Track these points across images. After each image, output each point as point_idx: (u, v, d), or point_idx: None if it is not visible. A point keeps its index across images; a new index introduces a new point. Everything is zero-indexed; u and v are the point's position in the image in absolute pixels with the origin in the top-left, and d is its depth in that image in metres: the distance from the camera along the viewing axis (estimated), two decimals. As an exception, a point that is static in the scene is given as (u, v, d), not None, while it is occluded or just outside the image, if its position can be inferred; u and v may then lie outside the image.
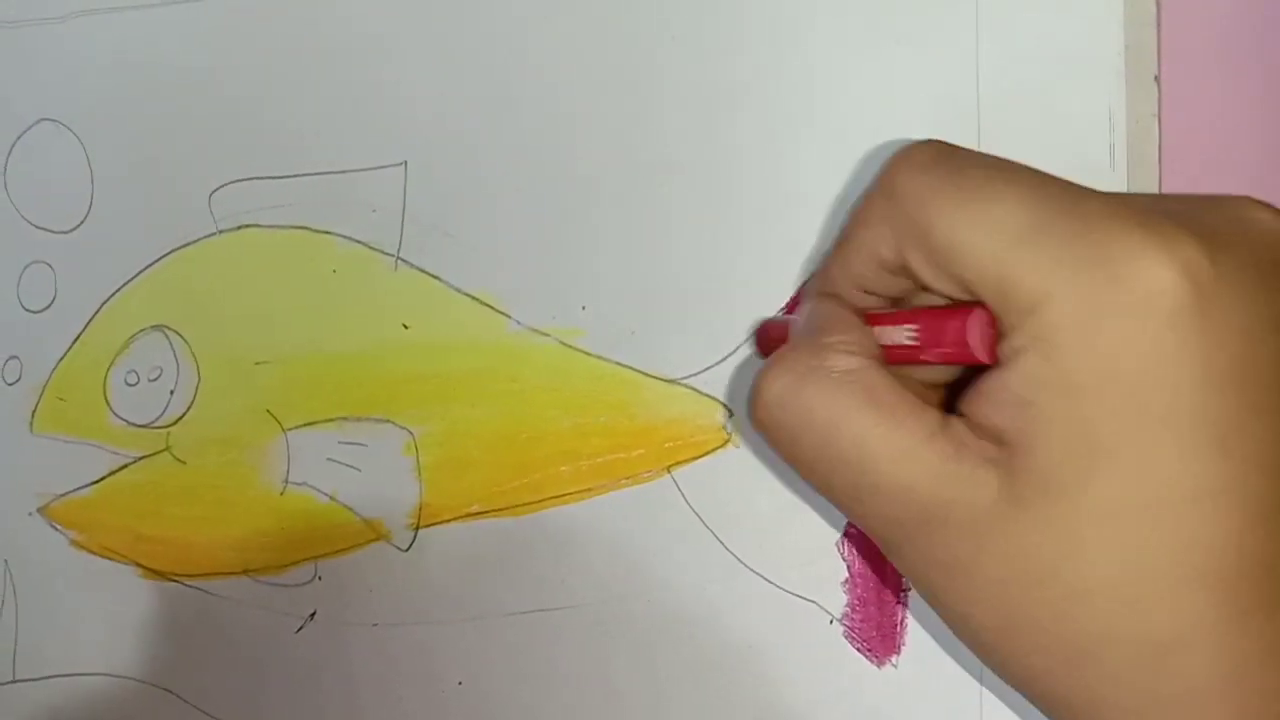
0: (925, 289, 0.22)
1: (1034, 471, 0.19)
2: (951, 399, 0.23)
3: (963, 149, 0.22)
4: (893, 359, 0.22)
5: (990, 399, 0.20)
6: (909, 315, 0.22)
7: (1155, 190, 0.26)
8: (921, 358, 0.22)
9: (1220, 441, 0.18)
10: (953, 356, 0.21)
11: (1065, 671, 0.20)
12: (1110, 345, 0.18)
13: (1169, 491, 0.18)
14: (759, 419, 0.22)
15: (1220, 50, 0.27)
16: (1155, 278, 0.18)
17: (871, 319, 0.23)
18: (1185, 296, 0.18)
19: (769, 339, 0.26)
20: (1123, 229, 0.18)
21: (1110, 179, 0.26)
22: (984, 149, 0.26)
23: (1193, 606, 0.18)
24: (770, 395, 0.22)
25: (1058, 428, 0.19)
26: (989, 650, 0.21)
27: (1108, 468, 0.18)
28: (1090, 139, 0.26)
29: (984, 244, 0.19)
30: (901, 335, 0.22)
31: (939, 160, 0.21)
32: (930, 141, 0.22)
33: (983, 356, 0.21)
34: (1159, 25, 0.26)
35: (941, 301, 0.22)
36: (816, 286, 0.25)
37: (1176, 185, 0.27)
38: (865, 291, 0.23)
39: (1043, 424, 0.19)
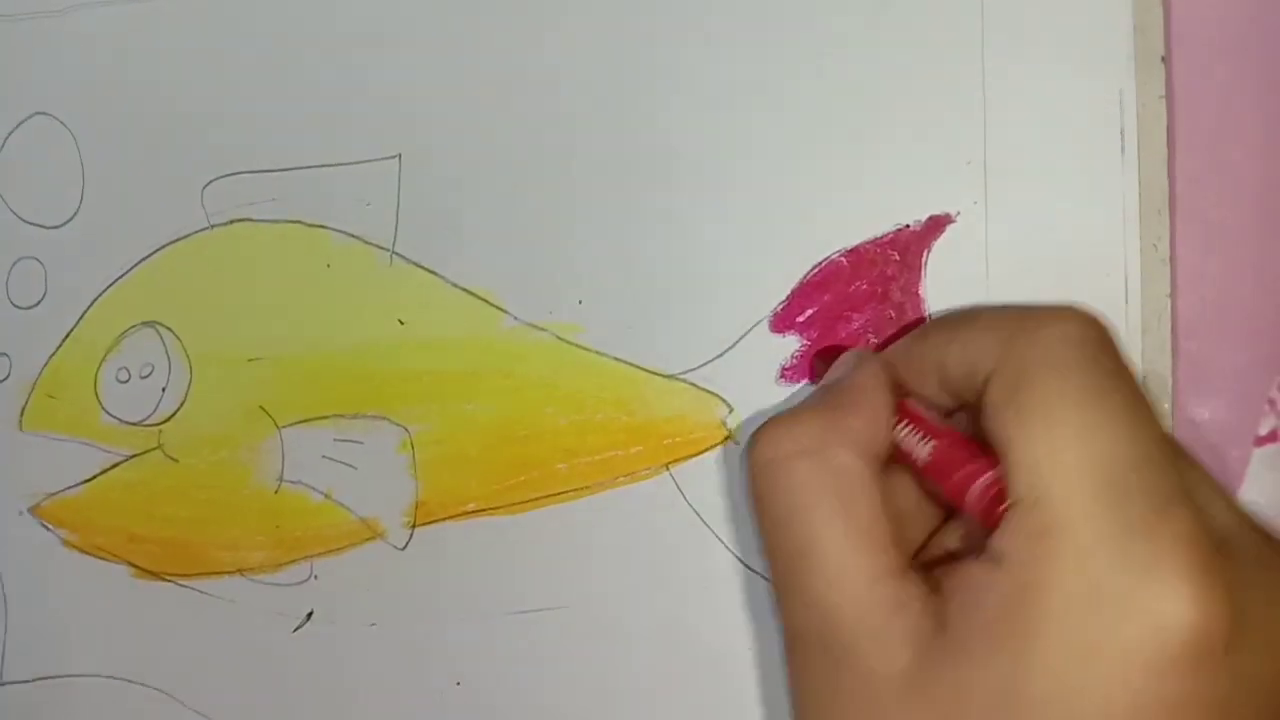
0: (958, 411, 0.22)
1: (955, 683, 0.19)
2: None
3: (1116, 344, 0.21)
4: (898, 458, 0.22)
5: (955, 587, 0.20)
6: (935, 430, 0.22)
7: (1166, 174, 0.26)
8: (923, 477, 0.22)
9: None
10: (949, 496, 0.21)
11: None
12: (1092, 656, 0.18)
13: None
14: (748, 465, 0.22)
15: (1227, 30, 0.26)
16: (1170, 632, 0.18)
17: (902, 408, 0.22)
18: (1186, 663, 0.18)
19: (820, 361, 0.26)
20: (1180, 568, 0.18)
21: (1120, 162, 0.26)
22: (991, 135, 0.26)
23: None
24: (762, 454, 0.22)
25: (1003, 672, 0.18)
26: None
27: None
28: (1100, 121, 0.26)
29: (1059, 467, 0.19)
30: (917, 448, 0.22)
31: (1094, 342, 0.20)
32: (1091, 319, 0.21)
33: (977, 519, 0.20)
34: (1166, 5, 0.26)
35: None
36: (873, 353, 0.24)
37: (1186, 167, 0.26)
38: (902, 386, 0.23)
39: (990, 656, 0.19)
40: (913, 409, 0.22)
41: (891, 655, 0.19)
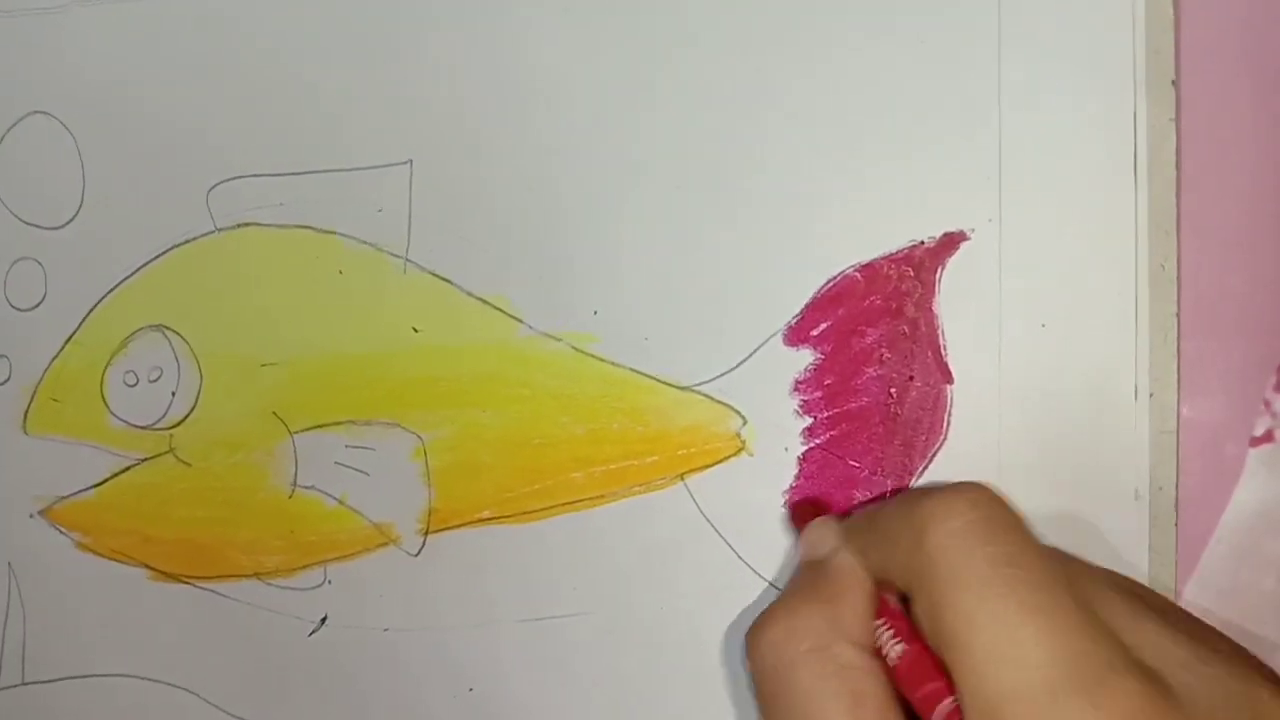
0: None
1: None
2: None
3: (1003, 518, 0.21)
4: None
5: None
6: (905, 633, 0.22)
7: (1174, 195, 0.26)
8: (893, 678, 0.22)
9: None
10: (916, 708, 0.21)
11: None
12: None
13: None
14: (751, 659, 0.23)
15: (1238, 55, 0.26)
16: None
17: (884, 608, 0.23)
18: None
19: (803, 516, 0.26)
20: None
21: (1132, 182, 0.26)
22: (1006, 153, 0.26)
23: None
24: (766, 651, 0.22)
25: None
26: None
27: None
28: (1112, 142, 0.26)
29: (990, 693, 0.19)
30: (888, 647, 0.22)
31: (978, 537, 0.21)
32: (972, 502, 0.21)
33: None
34: (1177, 29, 0.26)
35: None
36: (844, 532, 0.24)
37: (1194, 190, 0.26)
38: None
39: None
40: (888, 602, 0.23)
41: None
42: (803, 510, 0.26)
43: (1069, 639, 0.20)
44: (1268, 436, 0.27)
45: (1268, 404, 0.27)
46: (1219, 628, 0.23)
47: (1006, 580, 0.20)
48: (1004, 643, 0.20)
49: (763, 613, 0.23)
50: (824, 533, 0.25)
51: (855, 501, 0.27)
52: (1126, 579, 0.24)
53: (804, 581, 0.24)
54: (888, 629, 0.22)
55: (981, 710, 0.20)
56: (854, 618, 0.22)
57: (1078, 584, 0.21)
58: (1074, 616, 0.20)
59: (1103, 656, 0.19)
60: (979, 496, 0.21)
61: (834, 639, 0.22)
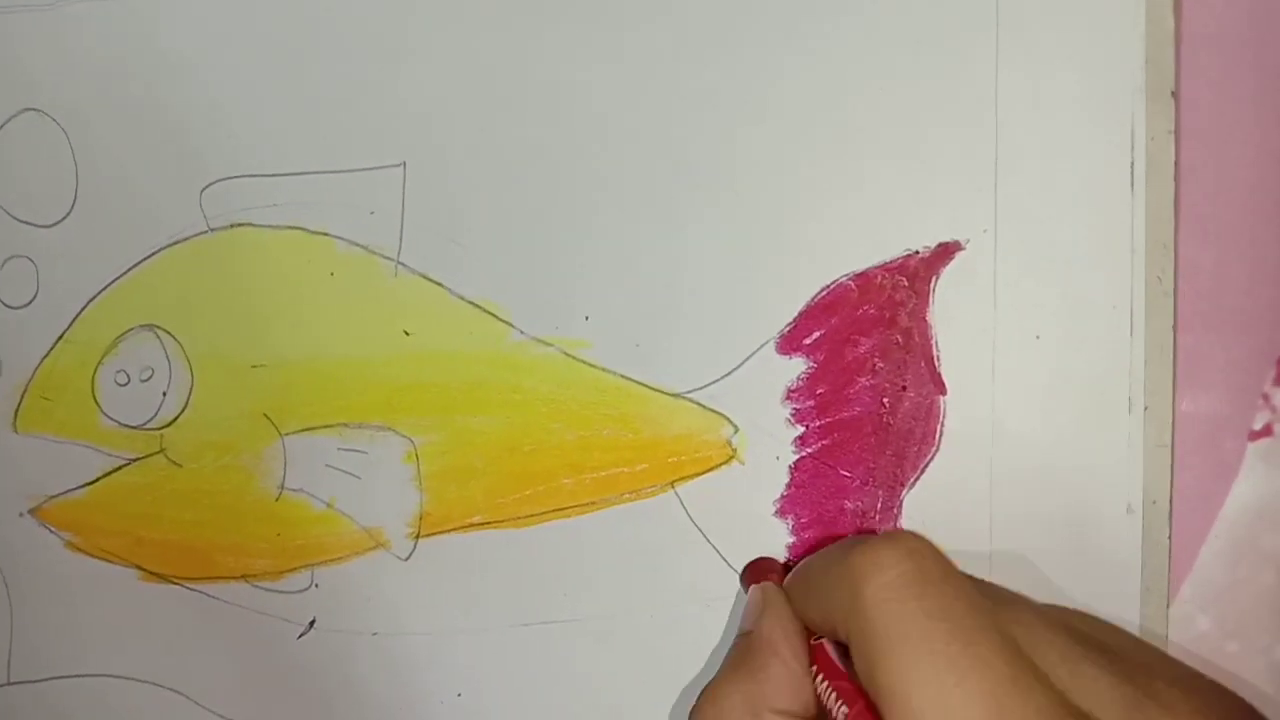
0: None
1: None
2: None
3: (935, 569, 0.21)
4: (817, 704, 0.23)
5: None
6: (846, 692, 0.22)
7: (1172, 207, 0.26)
8: None
9: None
10: None
11: None
12: None
13: None
14: None
15: (1238, 66, 0.26)
16: None
17: (816, 654, 0.23)
18: None
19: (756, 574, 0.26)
20: None
21: (1129, 194, 0.26)
22: (1002, 164, 0.26)
23: None
24: None
25: None
26: None
27: None
28: (1111, 154, 0.26)
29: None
30: (833, 706, 0.22)
31: (912, 590, 0.20)
32: (904, 553, 0.21)
33: None
34: (1177, 41, 0.26)
35: None
36: (777, 590, 0.25)
37: (1192, 202, 0.26)
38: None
39: None
40: (825, 657, 0.23)
41: None
42: (753, 572, 0.26)
43: (1000, 695, 0.19)
44: (1266, 430, 0.27)
45: (1266, 398, 0.27)
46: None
47: (939, 635, 0.20)
48: (937, 704, 0.19)
49: (701, 692, 0.23)
50: (753, 601, 0.25)
51: (845, 515, 0.27)
52: (1074, 614, 0.23)
53: (732, 657, 0.24)
54: (828, 686, 0.22)
55: None
56: (778, 688, 0.23)
57: (1014, 629, 0.21)
58: (1006, 670, 0.20)
59: (1034, 708, 0.19)
60: (911, 546, 0.21)
61: (760, 709, 0.22)
